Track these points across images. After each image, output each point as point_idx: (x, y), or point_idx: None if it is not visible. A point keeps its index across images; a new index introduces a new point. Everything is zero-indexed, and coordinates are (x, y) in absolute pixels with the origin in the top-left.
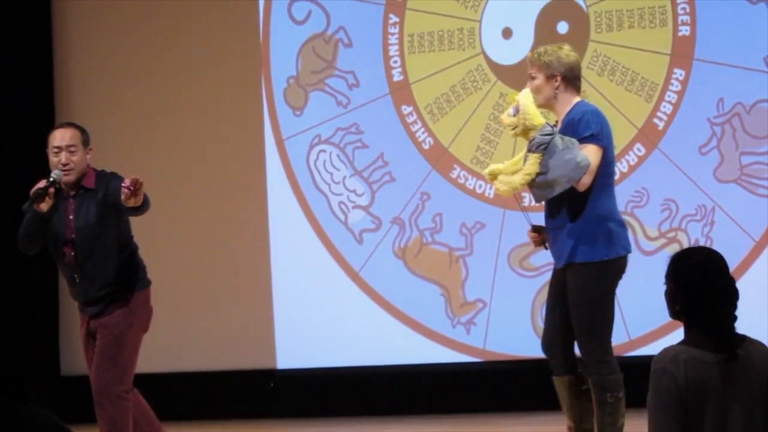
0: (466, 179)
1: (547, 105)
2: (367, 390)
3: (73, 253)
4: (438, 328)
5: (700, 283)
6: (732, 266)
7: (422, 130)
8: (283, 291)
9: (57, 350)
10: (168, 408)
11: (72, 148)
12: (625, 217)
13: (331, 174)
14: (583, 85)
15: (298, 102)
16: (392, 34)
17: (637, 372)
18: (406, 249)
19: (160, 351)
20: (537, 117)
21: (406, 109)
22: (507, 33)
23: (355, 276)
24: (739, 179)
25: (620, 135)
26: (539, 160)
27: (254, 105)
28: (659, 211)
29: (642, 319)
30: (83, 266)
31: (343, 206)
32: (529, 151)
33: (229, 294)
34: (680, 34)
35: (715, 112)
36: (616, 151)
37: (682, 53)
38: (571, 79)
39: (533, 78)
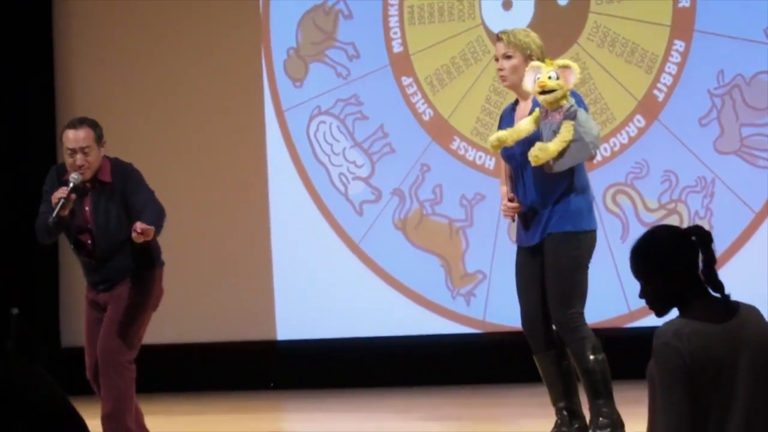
0: (466, 150)
1: (519, 85)
2: (367, 361)
3: (90, 242)
4: (438, 300)
5: (687, 254)
6: (732, 238)
7: (422, 101)
8: (283, 262)
9: (57, 322)
10: (168, 379)
11: (86, 149)
12: (625, 189)
13: (331, 145)
14: (583, 57)
15: (298, 73)
16: (392, 6)
17: (637, 343)
18: (406, 220)
19: (161, 322)
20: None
21: (406, 81)
22: (507, 4)
23: (354, 247)
24: (739, 151)
25: (620, 107)
26: (573, 128)
27: (254, 76)
28: (659, 183)
29: None
30: (102, 256)
31: (343, 177)
32: (565, 118)
33: (230, 265)
34: (680, 5)
35: (715, 84)
36: (616, 123)
37: (683, 25)
38: (543, 60)
39: (509, 57)
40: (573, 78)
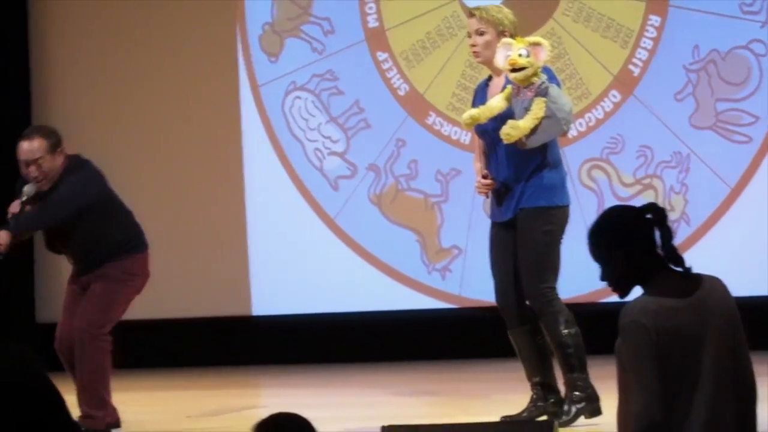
0: (442, 125)
1: (492, 61)
2: (342, 336)
3: (59, 242)
4: (413, 275)
5: (644, 232)
6: (707, 213)
7: (398, 76)
8: (258, 238)
9: (32, 297)
10: (144, 355)
11: (39, 160)
12: (601, 164)
13: (307, 120)
14: (558, 32)
15: (274, 48)
16: None
17: (613, 318)
18: (382, 195)
19: (137, 298)
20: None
21: (382, 56)
22: None
23: (330, 222)
24: (714, 126)
25: (596, 81)
26: (545, 104)
27: (229, 52)
28: (635, 158)
29: None
30: (75, 253)
31: (318, 153)
32: (537, 95)
33: (205, 241)
34: None
35: (690, 59)
36: (592, 98)
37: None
38: (515, 36)
39: (481, 33)
40: (544, 55)
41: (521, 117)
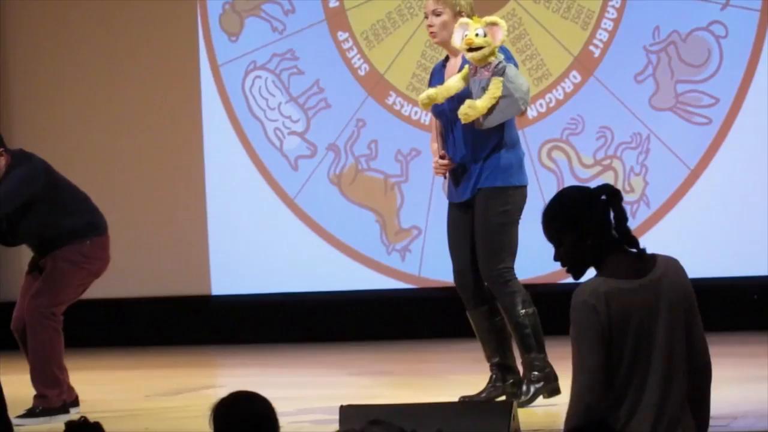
0: (402, 106)
1: (449, 42)
2: (302, 316)
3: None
4: (373, 255)
5: (597, 212)
6: (667, 194)
7: (358, 56)
8: (217, 217)
9: None
10: (102, 334)
11: None
12: (560, 145)
13: (267, 100)
14: (519, 13)
15: (234, 28)
16: None
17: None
18: (341, 176)
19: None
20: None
21: (342, 36)
22: None
23: (290, 203)
24: (674, 107)
25: (556, 62)
26: (503, 83)
27: (189, 31)
28: (594, 139)
29: None
30: (29, 244)
31: (278, 132)
32: (494, 74)
33: (164, 220)
34: None
35: (651, 40)
36: (552, 79)
37: None
38: (471, 16)
39: (438, 14)
40: (500, 35)
41: (479, 97)
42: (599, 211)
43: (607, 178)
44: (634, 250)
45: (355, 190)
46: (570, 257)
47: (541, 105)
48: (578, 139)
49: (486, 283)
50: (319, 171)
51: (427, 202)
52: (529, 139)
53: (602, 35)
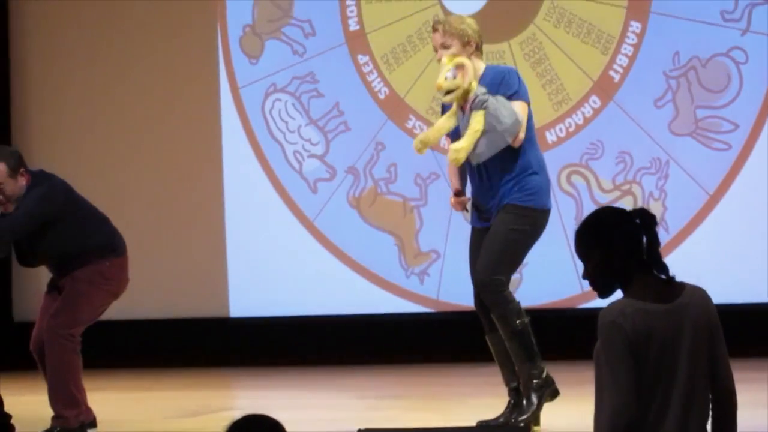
0: (422, 129)
1: None
2: (320, 339)
3: (30, 256)
4: (392, 278)
5: (630, 235)
6: (686, 219)
7: (378, 79)
8: (236, 239)
9: (9, 297)
10: (121, 356)
11: (1, 186)
12: (580, 169)
13: (287, 123)
14: (540, 37)
15: (254, 50)
16: None
17: (590, 323)
18: (361, 198)
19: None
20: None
21: (362, 59)
22: None
23: (309, 225)
24: (694, 133)
25: (576, 87)
26: (483, 117)
27: (210, 53)
28: (614, 164)
29: None
30: (48, 264)
31: (298, 155)
32: (473, 109)
33: (183, 242)
34: None
35: (671, 66)
36: (572, 103)
37: (639, 6)
38: (480, 44)
39: (447, 47)
40: (469, 74)
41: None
42: (631, 234)
43: (626, 203)
44: (663, 275)
45: (374, 213)
46: (598, 275)
47: (560, 129)
48: (597, 164)
49: (478, 291)
50: (339, 194)
51: (446, 225)
52: (549, 163)
53: (622, 60)
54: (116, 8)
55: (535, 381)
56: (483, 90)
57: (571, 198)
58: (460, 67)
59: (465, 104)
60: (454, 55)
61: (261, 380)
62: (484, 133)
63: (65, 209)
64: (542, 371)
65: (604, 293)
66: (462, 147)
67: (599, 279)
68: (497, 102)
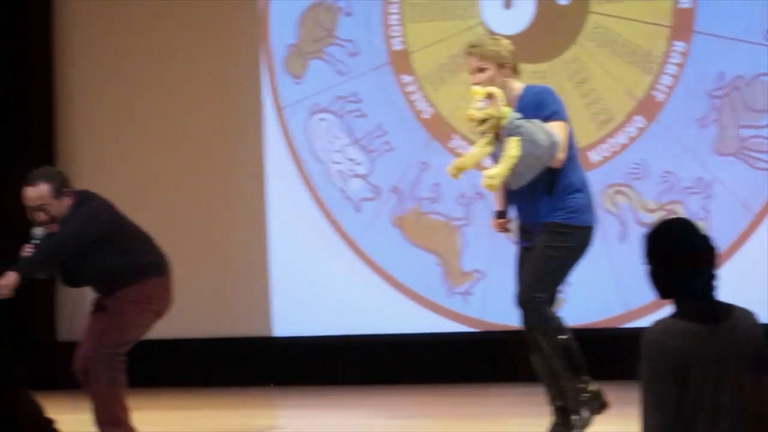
0: (466, 150)
1: None
2: (363, 359)
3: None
4: (435, 298)
5: (673, 254)
6: (730, 239)
7: (422, 99)
8: (280, 259)
9: (53, 316)
10: (164, 375)
11: (44, 206)
12: (624, 189)
13: (330, 142)
14: (583, 57)
15: (298, 70)
16: (393, 3)
17: (635, 343)
18: (404, 218)
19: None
20: (506, 105)
21: (406, 79)
22: (508, 2)
23: (352, 244)
24: (738, 153)
25: (620, 107)
26: (519, 143)
27: (254, 73)
28: (658, 184)
29: (639, 290)
30: (92, 284)
31: (341, 175)
32: (508, 135)
33: (227, 261)
34: (680, 6)
35: (714, 85)
36: (616, 123)
37: (683, 25)
38: (516, 65)
39: (482, 70)
40: (500, 102)
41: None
42: (691, 248)
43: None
44: (712, 297)
45: (417, 232)
46: (652, 278)
47: (604, 149)
48: (641, 184)
49: (520, 311)
50: (382, 213)
51: (490, 245)
52: (593, 182)
53: (666, 80)
54: (161, 28)
55: (583, 395)
56: (517, 115)
57: (615, 217)
58: (489, 96)
59: (500, 131)
60: (490, 79)
61: (304, 399)
62: (520, 158)
63: (109, 230)
64: (590, 384)
65: (660, 297)
66: (496, 173)
67: (653, 283)
68: (532, 126)
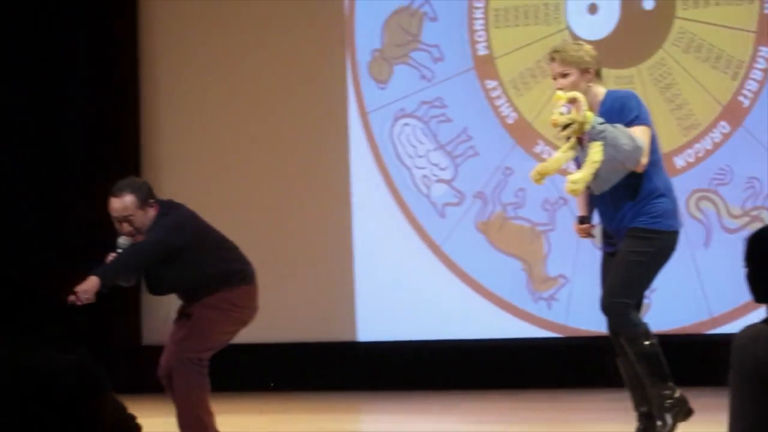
0: (550, 154)
1: None
2: (447, 364)
3: (158, 286)
4: (519, 303)
5: None
6: None
7: (506, 104)
8: (364, 263)
9: (138, 320)
10: (248, 379)
11: (129, 217)
12: (709, 195)
13: (415, 147)
14: (668, 62)
15: (383, 75)
16: (477, 8)
17: (719, 350)
18: (489, 223)
19: None
20: (589, 110)
21: (490, 84)
22: (593, 8)
23: (436, 249)
24: None
25: (705, 112)
26: (602, 148)
27: (339, 78)
28: (743, 189)
29: (724, 296)
30: (177, 293)
31: (426, 180)
32: (591, 140)
33: (312, 266)
34: (767, 11)
35: None
36: (701, 128)
37: None
38: (599, 70)
39: (565, 75)
40: (583, 107)
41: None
42: None
43: (755, 230)
44: None
45: (501, 237)
46: (750, 283)
47: (689, 155)
48: (726, 190)
49: (604, 314)
50: (466, 218)
51: (574, 250)
52: (677, 188)
53: (752, 85)
54: (246, 33)
55: (667, 401)
56: (599, 120)
57: (700, 224)
58: (573, 100)
59: (583, 136)
60: (573, 84)
61: (387, 404)
62: (603, 163)
63: (193, 240)
64: (674, 391)
65: (756, 300)
66: (579, 178)
67: (750, 286)
68: (615, 130)
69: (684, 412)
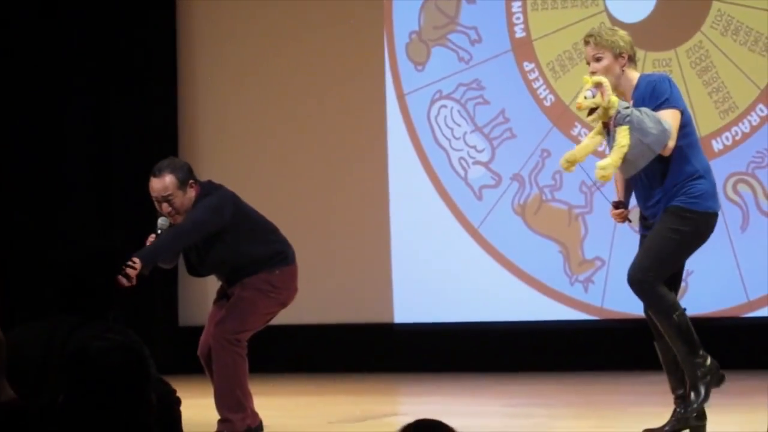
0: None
1: (615, 84)
2: (483, 346)
3: (199, 267)
4: (556, 286)
5: None
6: None
7: (543, 87)
8: (401, 245)
9: (176, 301)
10: (287, 360)
11: (169, 197)
12: (746, 178)
13: (452, 129)
14: (706, 45)
15: (420, 57)
16: None
17: (756, 333)
18: (526, 206)
19: None
20: (614, 94)
21: (528, 66)
22: None
23: (473, 232)
24: None
25: (743, 95)
26: (629, 132)
27: (376, 60)
28: None
29: (761, 280)
30: (217, 274)
31: (463, 162)
32: (617, 125)
33: (349, 248)
34: None
35: None
36: (738, 112)
37: None
38: (633, 55)
39: (599, 59)
40: (608, 92)
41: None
42: None
43: None
44: None
45: (539, 220)
46: None
47: (727, 138)
48: (764, 173)
49: (631, 288)
50: (503, 201)
51: (611, 233)
52: (715, 171)
53: None
54: (283, 16)
55: (700, 370)
56: (625, 105)
57: (737, 207)
58: (598, 85)
59: (609, 121)
60: (606, 68)
61: (425, 386)
62: (630, 147)
63: (233, 221)
64: (706, 359)
65: None
66: (608, 164)
67: None
68: (641, 114)
69: (717, 378)
